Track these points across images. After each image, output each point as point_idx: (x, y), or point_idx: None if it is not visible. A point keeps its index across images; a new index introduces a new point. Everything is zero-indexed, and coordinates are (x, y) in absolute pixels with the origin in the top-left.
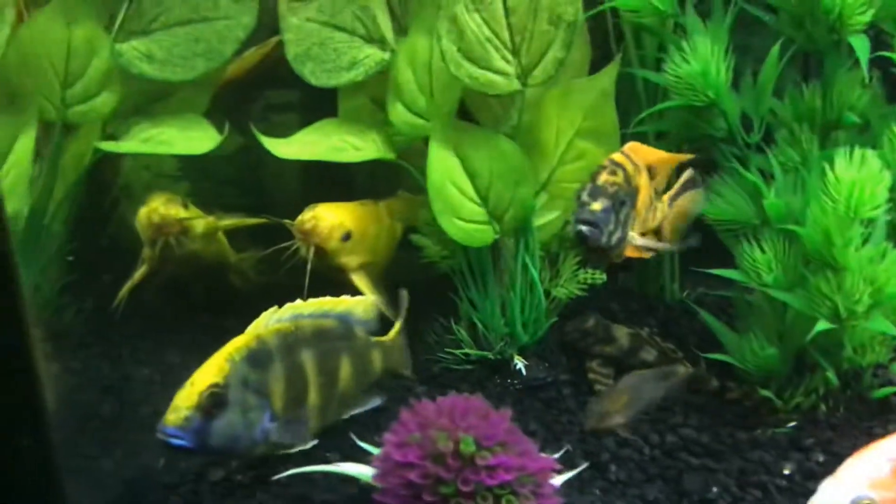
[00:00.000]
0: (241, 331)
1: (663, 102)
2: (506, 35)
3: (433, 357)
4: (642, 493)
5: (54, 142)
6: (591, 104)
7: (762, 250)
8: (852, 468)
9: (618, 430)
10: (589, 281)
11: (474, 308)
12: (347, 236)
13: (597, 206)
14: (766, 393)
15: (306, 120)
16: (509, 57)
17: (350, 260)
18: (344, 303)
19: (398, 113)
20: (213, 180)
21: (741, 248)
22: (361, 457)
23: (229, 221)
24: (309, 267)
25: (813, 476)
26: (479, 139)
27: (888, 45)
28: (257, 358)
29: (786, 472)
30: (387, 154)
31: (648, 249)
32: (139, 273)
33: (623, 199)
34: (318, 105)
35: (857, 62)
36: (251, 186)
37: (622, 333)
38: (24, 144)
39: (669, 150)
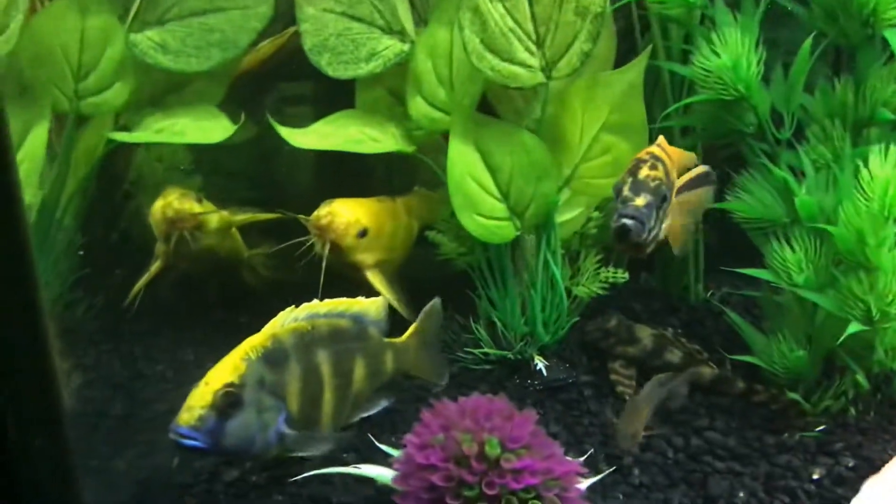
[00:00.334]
0: (254, 328)
1: (688, 96)
2: (530, 26)
3: (451, 356)
4: (666, 498)
5: (66, 134)
6: (618, 98)
7: (792, 249)
8: None
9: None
10: (611, 279)
11: (493, 307)
12: (364, 233)
13: (640, 201)
14: (794, 396)
15: (321, 112)
16: (533, 48)
17: (366, 257)
18: (359, 303)
19: (418, 106)
20: (225, 174)
21: (770, 247)
22: (377, 457)
23: (244, 216)
24: (324, 264)
25: (842, 481)
26: (500, 133)
27: None
28: (273, 357)
29: (815, 477)
30: (406, 147)
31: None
32: (153, 268)
33: (664, 195)
34: (334, 97)
35: (891, 57)
36: (264, 181)
37: (646, 334)
38: (38, 136)
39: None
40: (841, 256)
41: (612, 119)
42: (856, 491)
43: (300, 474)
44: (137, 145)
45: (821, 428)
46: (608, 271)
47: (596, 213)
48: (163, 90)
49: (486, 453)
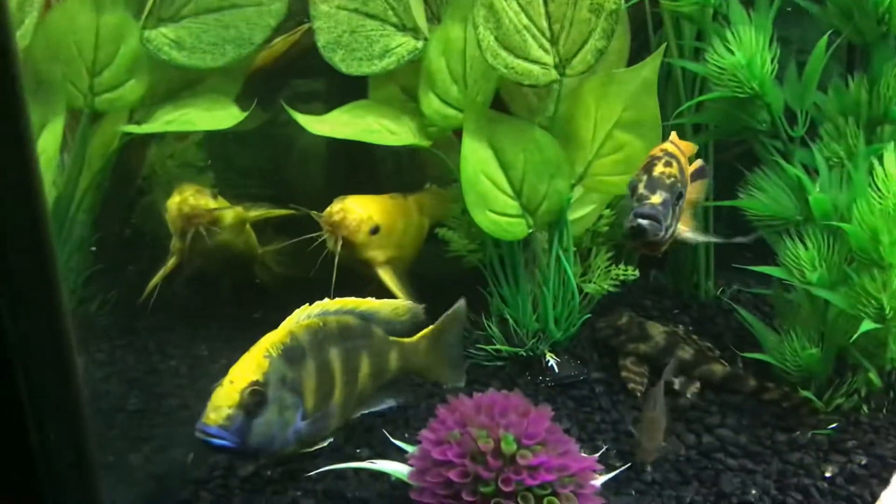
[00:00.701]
0: (267, 323)
1: (700, 93)
2: (544, 23)
3: (464, 353)
4: (678, 495)
5: (81, 130)
6: (632, 95)
7: (805, 247)
8: None
9: None
10: (621, 277)
11: (505, 303)
12: (376, 230)
13: (656, 199)
14: (806, 393)
15: (333, 109)
16: (547, 46)
17: (377, 254)
18: (367, 302)
19: (430, 103)
20: (237, 171)
21: (783, 244)
22: (391, 453)
23: (258, 212)
24: (336, 260)
25: (855, 479)
26: (513, 130)
27: None
28: (292, 354)
29: (827, 474)
30: (421, 141)
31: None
32: (168, 264)
33: (680, 192)
34: (346, 94)
35: None
36: (276, 178)
37: (657, 331)
38: (52, 132)
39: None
40: (854, 254)
41: (625, 116)
42: (869, 488)
43: (315, 469)
44: (150, 141)
45: (833, 426)
46: (619, 268)
47: (607, 211)
48: (177, 87)
49: (503, 449)
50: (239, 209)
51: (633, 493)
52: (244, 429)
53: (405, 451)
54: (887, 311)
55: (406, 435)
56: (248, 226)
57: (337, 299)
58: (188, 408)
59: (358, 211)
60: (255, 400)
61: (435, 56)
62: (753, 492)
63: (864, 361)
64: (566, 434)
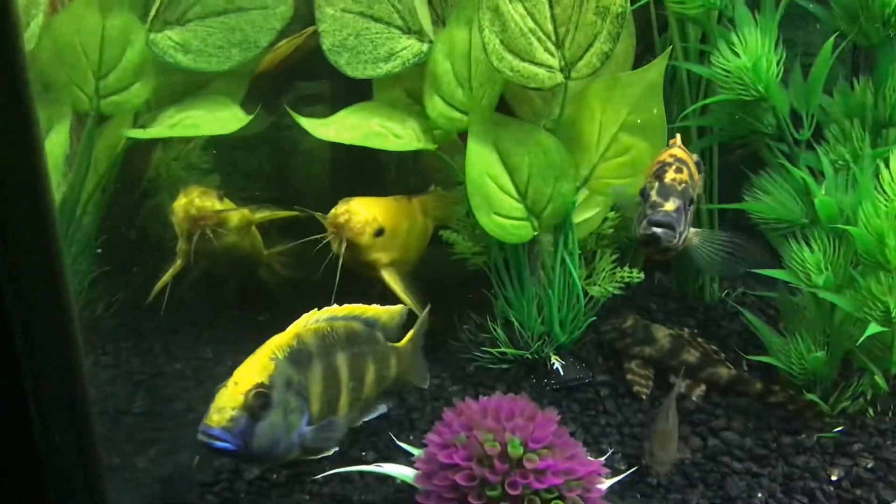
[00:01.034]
0: (273, 326)
1: (705, 96)
2: (549, 26)
3: (468, 356)
4: (684, 498)
5: (86, 132)
6: (637, 98)
7: (811, 250)
8: None
9: None
10: (626, 279)
11: (510, 306)
12: (380, 232)
13: (670, 206)
14: (811, 397)
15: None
16: (553, 49)
17: (381, 256)
18: (372, 309)
19: (435, 105)
20: (242, 173)
21: (789, 247)
22: (397, 456)
23: (263, 214)
24: (340, 261)
25: (861, 482)
26: (518, 133)
27: None
28: (298, 357)
29: (833, 478)
30: (426, 144)
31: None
32: (174, 267)
33: (691, 197)
34: (351, 97)
35: None
36: (280, 180)
37: (662, 334)
38: (58, 135)
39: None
40: (860, 257)
41: (630, 119)
42: (875, 491)
43: (321, 473)
44: (155, 144)
45: (839, 429)
46: (624, 271)
47: (612, 213)
48: (183, 90)
49: (509, 453)
50: (245, 211)
51: (639, 496)
52: (247, 431)
53: (411, 455)
54: (893, 315)
55: (412, 438)
56: (253, 228)
57: (345, 305)
58: (193, 410)
59: (362, 213)
60: (259, 402)
61: (440, 59)
62: (759, 495)
63: (870, 365)
64: (572, 437)
